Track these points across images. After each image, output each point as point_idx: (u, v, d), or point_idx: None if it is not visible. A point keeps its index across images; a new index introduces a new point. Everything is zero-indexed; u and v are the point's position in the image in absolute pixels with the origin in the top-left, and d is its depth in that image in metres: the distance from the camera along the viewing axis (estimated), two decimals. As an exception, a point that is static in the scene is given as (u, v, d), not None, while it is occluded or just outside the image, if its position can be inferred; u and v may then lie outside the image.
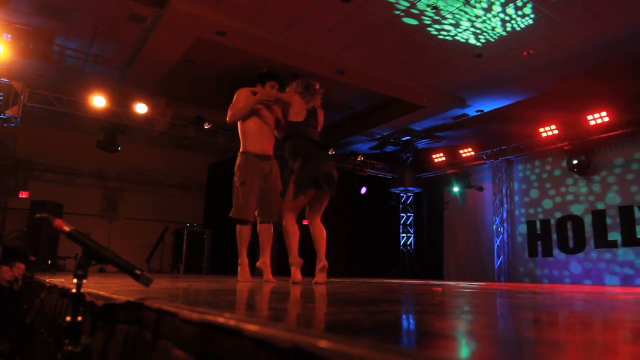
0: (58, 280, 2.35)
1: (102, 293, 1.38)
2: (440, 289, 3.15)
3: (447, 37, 6.27)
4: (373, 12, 5.79)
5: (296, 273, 3.46)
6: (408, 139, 10.40)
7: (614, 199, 8.01)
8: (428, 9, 5.64)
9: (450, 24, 5.97)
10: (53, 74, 7.62)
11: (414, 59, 6.94)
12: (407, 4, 5.56)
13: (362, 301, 1.53)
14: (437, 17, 5.82)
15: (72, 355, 1.19)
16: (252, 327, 0.63)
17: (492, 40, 6.27)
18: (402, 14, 5.76)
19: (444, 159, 10.62)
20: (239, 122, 3.88)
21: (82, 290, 1.28)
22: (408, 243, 11.52)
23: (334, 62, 7.02)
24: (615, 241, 7.88)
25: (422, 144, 10.62)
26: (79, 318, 1.22)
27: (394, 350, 0.48)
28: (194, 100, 8.86)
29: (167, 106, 8.48)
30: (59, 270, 7.24)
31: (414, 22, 5.94)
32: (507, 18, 5.80)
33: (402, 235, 11.59)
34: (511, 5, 5.53)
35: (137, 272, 1.29)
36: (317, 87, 3.78)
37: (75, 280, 1.25)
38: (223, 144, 9.15)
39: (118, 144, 8.26)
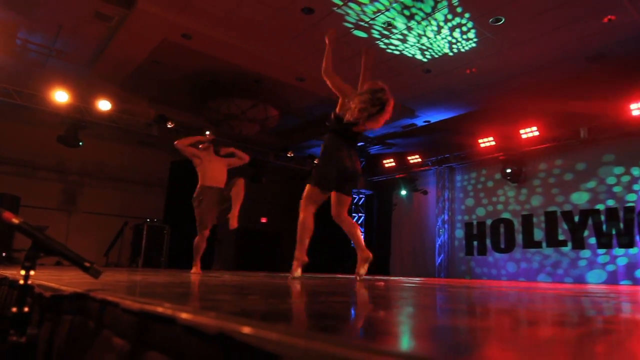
0: (9, 272, 2.23)
1: (50, 284, 1.33)
2: (382, 283, 3.23)
3: (395, 51, 6.44)
4: (333, 25, 5.85)
5: (297, 269, 3.25)
6: (362, 145, 10.57)
7: (539, 203, 8.49)
8: (384, 25, 5.77)
9: (398, 39, 6.13)
10: (14, 67, 7.20)
11: (368, 71, 7.06)
12: (366, 19, 5.65)
13: (303, 293, 1.56)
14: (385, 32, 5.96)
15: (17, 346, 1.15)
16: (184, 316, 0.65)
17: (437, 56, 6.50)
18: (352, 27, 5.86)
19: (393, 164, 10.86)
20: (197, 167, 4.70)
21: (31, 282, 1.24)
22: (359, 241, 11.69)
23: (295, 69, 7.04)
24: (541, 242, 8.35)
25: (374, 149, 10.83)
26: (26, 309, 1.18)
27: (306, 335, 0.51)
28: (158, 99, 8.62)
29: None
30: (13, 263, 6.84)
31: (363, 35, 6.04)
32: (453, 40, 6.04)
33: (354, 233, 11.74)
34: (457, 30, 5.76)
35: (87, 264, 1.26)
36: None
37: (22, 272, 1.21)
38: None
39: (79, 140, 7.91)
